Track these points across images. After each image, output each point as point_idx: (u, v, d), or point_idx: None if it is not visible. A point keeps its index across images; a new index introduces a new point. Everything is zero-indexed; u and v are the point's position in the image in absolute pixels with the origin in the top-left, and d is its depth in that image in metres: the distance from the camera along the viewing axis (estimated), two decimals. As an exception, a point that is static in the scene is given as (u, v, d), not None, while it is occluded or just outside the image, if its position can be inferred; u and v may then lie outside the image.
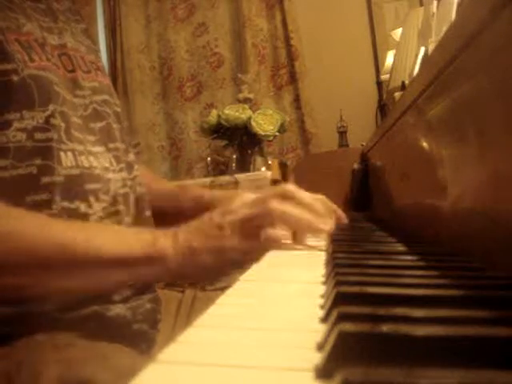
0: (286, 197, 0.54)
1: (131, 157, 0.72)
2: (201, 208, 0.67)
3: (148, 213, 0.72)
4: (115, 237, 0.52)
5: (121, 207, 0.64)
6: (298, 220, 0.53)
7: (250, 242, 0.52)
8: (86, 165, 0.61)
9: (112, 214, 0.62)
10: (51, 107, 0.58)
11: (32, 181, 0.55)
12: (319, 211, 0.55)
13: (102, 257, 0.50)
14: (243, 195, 0.60)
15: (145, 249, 0.51)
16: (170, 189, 0.87)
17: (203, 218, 0.55)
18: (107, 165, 0.65)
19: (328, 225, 0.55)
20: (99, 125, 0.68)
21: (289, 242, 0.56)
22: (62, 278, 0.50)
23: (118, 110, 0.74)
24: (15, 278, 0.49)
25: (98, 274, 0.51)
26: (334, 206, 0.66)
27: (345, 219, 0.67)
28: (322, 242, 0.56)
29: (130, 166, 0.70)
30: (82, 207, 0.59)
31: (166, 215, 0.80)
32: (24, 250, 0.49)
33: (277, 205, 0.53)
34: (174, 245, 0.51)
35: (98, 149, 0.65)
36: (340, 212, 0.66)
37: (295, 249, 0.54)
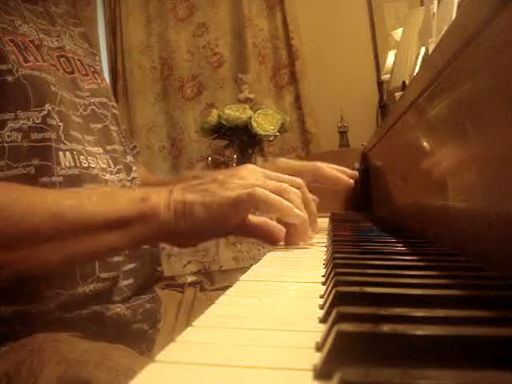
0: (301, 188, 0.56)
1: (129, 159, 0.73)
2: None
3: None
4: (106, 199, 0.51)
5: None
6: (301, 220, 0.53)
7: (250, 208, 0.51)
8: (85, 165, 0.61)
9: None
10: (47, 107, 0.58)
11: (30, 181, 0.55)
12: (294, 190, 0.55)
13: (94, 220, 0.48)
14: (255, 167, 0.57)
15: (136, 206, 0.49)
16: (168, 179, 0.89)
17: (206, 177, 0.53)
18: (105, 166, 0.65)
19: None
20: (97, 126, 0.68)
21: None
22: (55, 249, 0.48)
23: (116, 112, 0.74)
24: (6, 253, 0.47)
25: (92, 239, 0.49)
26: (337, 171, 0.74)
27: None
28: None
29: (128, 168, 0.70)
30: None
31: None
32: (13, 221, 0.47)
33: (294, 193, 0.53)
34: (166, 200, 0.50)
35: (97, 149, 0.65)
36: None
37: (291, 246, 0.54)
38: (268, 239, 0.56)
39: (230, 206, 0.49)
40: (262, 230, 0.55)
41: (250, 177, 0.53)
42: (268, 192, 0.50)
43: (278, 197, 0.51)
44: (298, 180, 0.58)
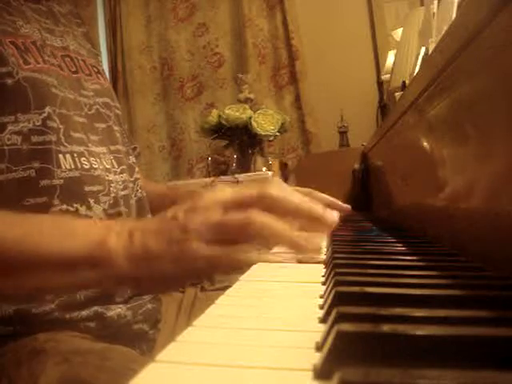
0: (267, 202, 0.44)
1: (132, 160, 0.73)
2: None
3: (149, 216, 0.72)
4: (59, 232, 0.45)
5: (122, 209, 0.64)
6: (278, 236, 0.43)
7: (219, 252, 0.43)
8: (86, 166, 0.61)
9: (113, 216, 0.62)
10: (48, 109, 0.58)
11: (30, 184, 0.55)
12: (309, 213, 0.45)
13: (44, 259, 0.43)
14: (216, 189, 0.48)
15: (88, 248, 0.43)
16: (161, 190, 0.87)
17: (166, 215, 0.45)
18: (108, 166, 0.65)
19: (314, 240, 0.45)
20: (102, 126, 0.68)
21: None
22: (6, 282, 0.44)
23: (119, 112, 0.74)
24: None
25: (37, 275, 0.44)
26: (328, 199, 0.61)
27: (347, 207, 0.63)
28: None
29: (131, 169, 0.71)
30: (82, 209, 0.58)
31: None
32: None
33: (257, 215, 0.42)
34: (126, 245, 0.43)
35: (101, 149, 0.65)
36: (337, 203, 0.61)
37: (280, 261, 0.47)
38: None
39: (198, 262, 0.43)
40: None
41: (213, 210, 0.44)
42: (231, 258, 0.43)
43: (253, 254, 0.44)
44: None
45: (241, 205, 0.44)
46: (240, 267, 0.44)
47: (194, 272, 0.45)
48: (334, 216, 0.45)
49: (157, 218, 0.47)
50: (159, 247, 0.43)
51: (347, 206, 0.62)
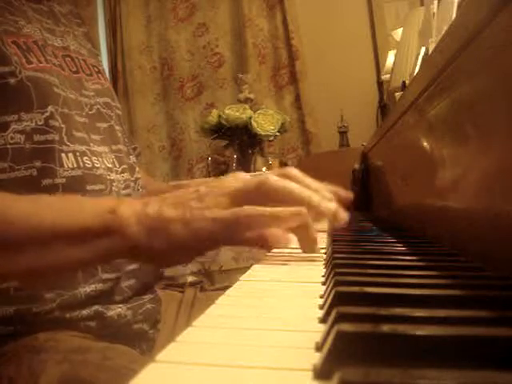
0: (288, 177, 0.46)
1: (133, 159, 0.73)
2: None
3: None
4: (69, 208, 0.45)
5: None
6: (298, 197, 0.45)
7: (232, 215, 0.43)
8: (88, 165, 0.61)
9: None
10: (50, 109, 0.58)
11: (32, 183, 0.55)
12: (325, 195, 0.47)
13: (54, 232, 0.43)
14: (237, 174, 0.50)
15: (102, 218, 0.43)
16: (166, 187, 0.87)
17: (188, 188, 0.46)
18: (110, 165, 0.65)
19: (334, 208, 0.46)
20: (103, 126, 0.68)
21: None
22: (12, 259, 0.43)
23: (120, 113, 0.74)
24: None
25: (52, 252, 0.43)
26: (333, 189, 0.56)
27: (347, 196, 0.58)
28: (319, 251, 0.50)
29: (132, 168, 0.71)
30: None
31: None
32: None
33: (276, 179, 0.45)
34: (139, 212, 0.43)
35: (103, 148, 0.65)
36: (342, 192, 0.58)
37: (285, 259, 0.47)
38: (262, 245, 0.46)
39: (211, 225, 0.42)
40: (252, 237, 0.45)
41: (232, 185, 0.46)
42: (256, 209, 0.42)
43: (268, 210, 0.43)
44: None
45: (261, 176, 0.45)
46: (253, 237, 0.43)
47: (206, 241, 0.44)
48: (331, 207, 0.46)
49: (173, 193, 0.47)
50: (173, 212, 0.43)
51: (348, 195, 0.58)
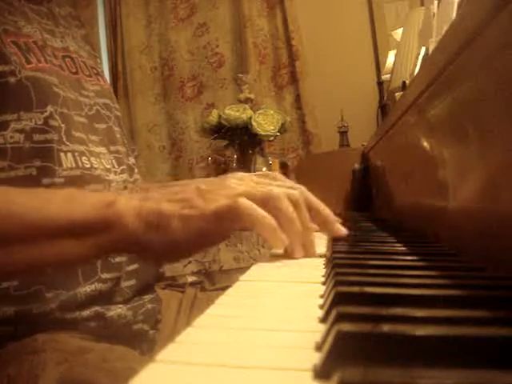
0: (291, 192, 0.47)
1: (132, 160, 0.73)
2: None
3: None
4: (70, 201, 0.45)
5: None
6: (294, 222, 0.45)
7: (231, 223, 0.44)
8: (87, 166, 0.61)
9: None
10: (50, 108, 0.58)
11: (32, 182, 0.55)
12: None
13: (54, 224, 0.43)
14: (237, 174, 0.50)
15: (101, 211, 0.43)
16: (158, 186, 0.87)
17: (180, 187, 0.47)
18: (109, 166, 0.65)
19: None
20: (102, 127, 0.68)
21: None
22: (16, 251, 0.43)
23: (119, 114, 0.74)
24: None
25: (55, 244, 0.43)
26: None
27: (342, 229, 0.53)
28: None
29: (130, 169, 0.71)
30: None
31: None
32: None
33: (286, 201, 0.45)
34: (138, 207, 0.43)
35: (101, 149, 0.65)
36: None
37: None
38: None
39: (210, 221, 0.43)
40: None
41: (238, 185, 0.46)
42: (254, 206, 0.43)
43: (263, 213, 0.43)
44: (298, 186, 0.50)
45: (269, 183, 0.47)
46: (250, 227, 0.44)
47: (205, 236, 0.44)
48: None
49: (171, 188, 0.47)
50: (172, 208, 0.43)
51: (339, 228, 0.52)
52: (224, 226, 0.44)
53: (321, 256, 0.47)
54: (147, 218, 0.43)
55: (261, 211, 0.43)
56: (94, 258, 0.55)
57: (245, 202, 0.43)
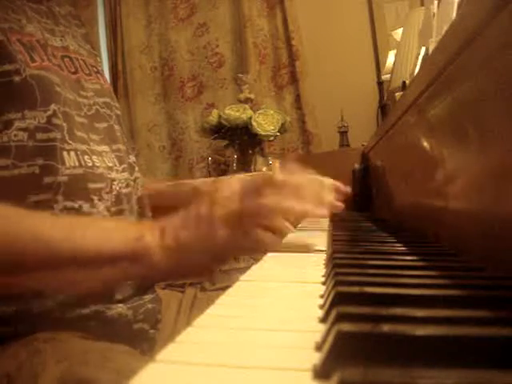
0: (275, 185, 0.51)
1: (132, 158, 0.73)
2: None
3: (149, 214, 0.73)
4: (99, 233, 0.49)
5: (125, 206, 0.64)
6: (292, 211, 0.51)
7: (243, 236, 0.49)
8: (90, 164, 0.61)
9: (116, 214, 0.62)
10: (53, 107, 0.58)
11: (34, 181, 0.55)
12: (312, 193, 0.53)
13: (84, 255, 0.47)
14: (230, 181, 0.55)
15: (130, 245, 0.48)
16: (160, 187, 0.87)
17: (190, 211, 0.51)
18: (111, 164, 0.65)
19: (324, 207, 0.52)
20: (102, 125, 0.68)
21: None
22: (44, 278, 0.47)
23: (119, 112, 0.74)
24: None
25: (83, 272, 0.48)
26: (334, 183, 0.61)
27: (346, 189, 0.62)
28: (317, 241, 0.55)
29: (131, 168, 0.71)
30: (85, 207, 0.59)
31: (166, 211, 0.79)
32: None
33: (269, 198, 0.50)
34: (160, 240, 0.48)
35: (103, 148, 0.65)
36: (341, 187, 0.61)
37: (289, 251, 0.52)
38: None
39: (230, 254, 0.50)
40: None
41: (232, 201, 0.51)
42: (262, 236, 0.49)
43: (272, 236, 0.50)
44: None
45: (256, 192, 0.50)
46: (263, 249, 0.50)
47: (221, 257, 0.50)
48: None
49: (182, 214, 0.51)
50: (188, 238, 0.48)
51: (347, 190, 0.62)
52: (239, 253, 0.51)
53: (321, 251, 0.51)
54: (168, 251, 0.48)
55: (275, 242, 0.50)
56: (117, 283, 0.60)
57: (258, 236, 0.49)
